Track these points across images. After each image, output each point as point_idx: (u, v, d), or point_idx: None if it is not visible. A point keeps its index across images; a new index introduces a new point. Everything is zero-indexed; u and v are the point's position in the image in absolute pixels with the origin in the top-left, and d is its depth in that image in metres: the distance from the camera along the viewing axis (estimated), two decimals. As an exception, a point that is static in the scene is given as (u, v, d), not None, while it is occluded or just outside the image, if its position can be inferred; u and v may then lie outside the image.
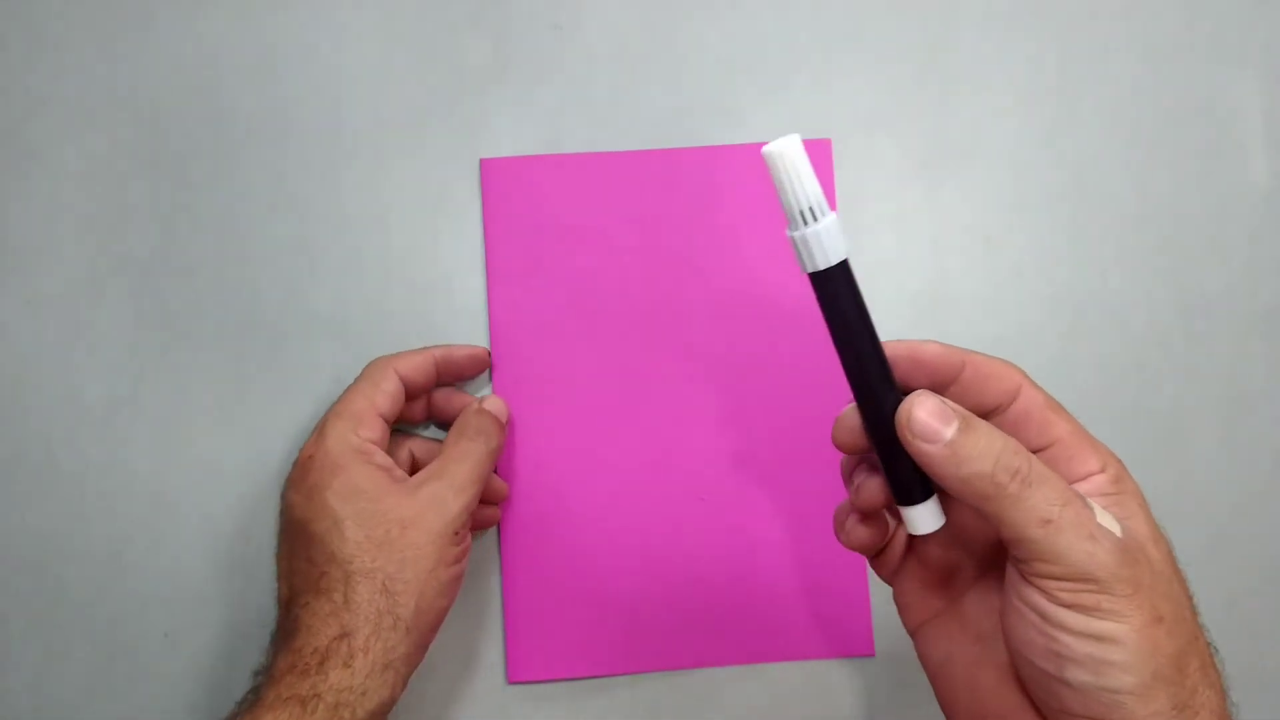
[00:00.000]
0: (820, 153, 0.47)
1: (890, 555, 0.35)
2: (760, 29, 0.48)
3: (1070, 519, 0.28)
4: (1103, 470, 0.31)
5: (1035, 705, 0.31)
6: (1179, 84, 0.48)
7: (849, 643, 0.45)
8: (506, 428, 0.44)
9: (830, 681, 0.45)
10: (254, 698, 0.37)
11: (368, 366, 0.43)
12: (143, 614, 0.45)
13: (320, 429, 0.41)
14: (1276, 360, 0.47)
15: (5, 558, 0.45)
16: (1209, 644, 0.31)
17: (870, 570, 0.45)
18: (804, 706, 0.45)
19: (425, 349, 0.44)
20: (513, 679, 0.45)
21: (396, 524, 0.38)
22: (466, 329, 0.46)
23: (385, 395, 0.42)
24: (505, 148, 0.47)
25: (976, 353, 0.32)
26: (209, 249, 0.46)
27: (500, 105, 0.47)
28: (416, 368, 0.43)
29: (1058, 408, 0.32)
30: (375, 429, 0.41)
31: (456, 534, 0.39)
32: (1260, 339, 0.47)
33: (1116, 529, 0.29)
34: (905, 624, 0.35)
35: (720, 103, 0.47)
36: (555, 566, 0.45)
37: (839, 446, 0.32)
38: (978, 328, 0.47)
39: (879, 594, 0.45)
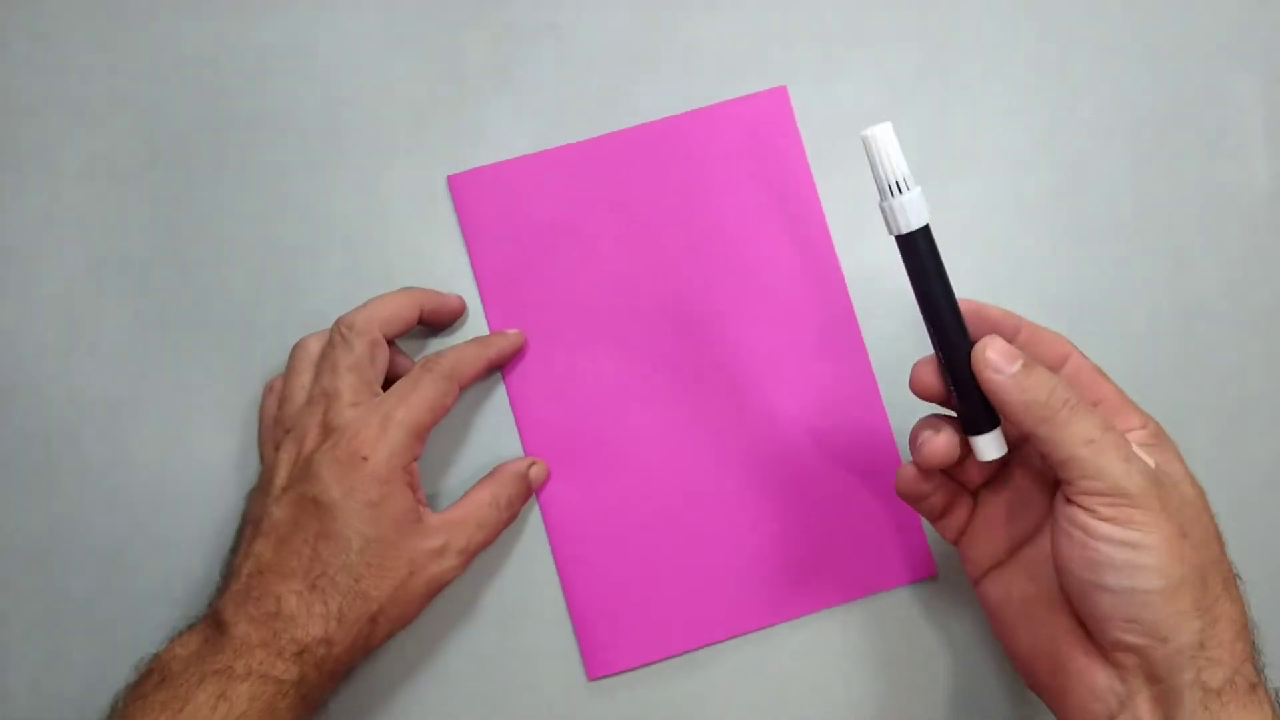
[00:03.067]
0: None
1: (955, 518, 0.40)
2: (760, 28, 0.48)
3: (1110, 441, 0.33)
4: (1144, 427, 0.37)
5: (1082, 627, 0.35)
6: (1179, 84, 0.48)
7: (911, 568, 0.45)
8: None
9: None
10: (219, 654, 0.37)
11: (423, 364, 0.42)
12: (143, 614, 0.45)
13: (384, 424, 0.40)
14: (1276, 360, 0.47)
15: (5, 557, 0.45)
16: (1234, 571, 0.35)
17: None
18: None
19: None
20: (592, 676, 0.45)
21: (406, 565, 0.40)
22: (467, 329, 0.46)
23: (445, 410, 0.42)
24: (504, 148, 0.47)
25: (1030, 321, 0.38)
26: (209, 249, 0.46)
27: (500, 105, 0.47)
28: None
29: (1103, 374, 0.38)
30: (423, 445, 0.42)
31: (439, 589, 0.42)
32: (1260, 339, 0.47)
33: (1151, 461, 0.34)
34: (970, 575, 0.40)
35: (720, 103, 0.47)
36: (608, 563, 0.45)
37: (916, 389, 0.37)
38: (978, 328, 0.47)
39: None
